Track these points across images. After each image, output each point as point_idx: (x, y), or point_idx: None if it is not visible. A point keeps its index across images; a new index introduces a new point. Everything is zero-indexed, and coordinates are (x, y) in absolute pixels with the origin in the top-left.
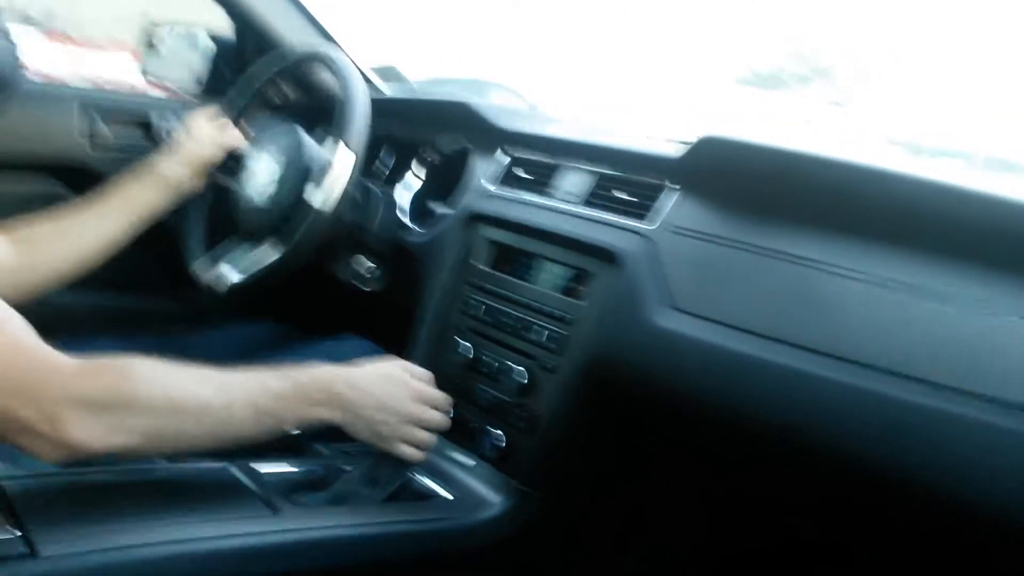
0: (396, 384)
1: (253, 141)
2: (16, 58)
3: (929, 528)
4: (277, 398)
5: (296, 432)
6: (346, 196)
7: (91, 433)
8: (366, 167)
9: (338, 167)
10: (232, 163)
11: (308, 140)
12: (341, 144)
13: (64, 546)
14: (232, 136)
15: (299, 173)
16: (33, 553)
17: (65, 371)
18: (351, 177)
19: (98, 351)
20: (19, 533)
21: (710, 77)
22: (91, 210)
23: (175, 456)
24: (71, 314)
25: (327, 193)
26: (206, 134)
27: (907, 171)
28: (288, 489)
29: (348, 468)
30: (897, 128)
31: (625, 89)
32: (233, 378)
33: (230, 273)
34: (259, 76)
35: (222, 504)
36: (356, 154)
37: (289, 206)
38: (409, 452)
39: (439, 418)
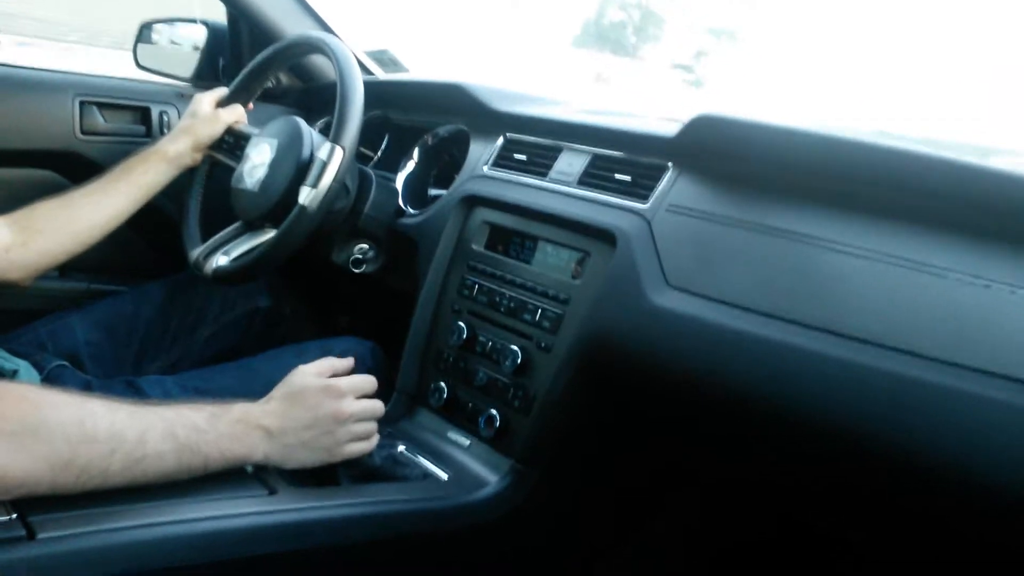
0: (312, 394)
1: (253, 126)
2: None
3: (929, 503)
4: (196, 430)
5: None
6: (334, 191)
7: None
8: (361, 151)
9: (328, 163)
10: (231, 140)
11: (306, 130)
12: (332, 141)
13: (61, 528)
14: (234, 112)
15: (293, 163)
16: (30, 535)
17: None
18: (339, 173)
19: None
20: (16, 515)
21: (539, 37)
22: (91, 184)
23: None
24: (58, 299)
25: (315, 188)
26: (207, 110)
27: (901, 145)
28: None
29: None
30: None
31: (456, 52)
32: (148, 408)
33: (219, 258)
34: (258, 62)
35: (219, 485)
36: (346, 150)
37: (281, 195)
38: (360, 448)
39: (368, 405)
